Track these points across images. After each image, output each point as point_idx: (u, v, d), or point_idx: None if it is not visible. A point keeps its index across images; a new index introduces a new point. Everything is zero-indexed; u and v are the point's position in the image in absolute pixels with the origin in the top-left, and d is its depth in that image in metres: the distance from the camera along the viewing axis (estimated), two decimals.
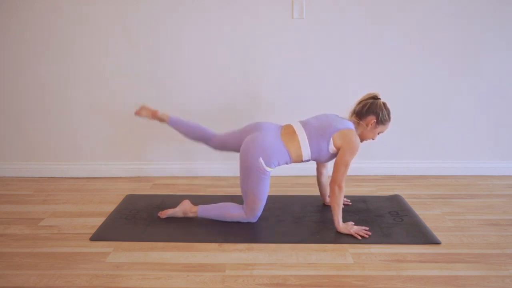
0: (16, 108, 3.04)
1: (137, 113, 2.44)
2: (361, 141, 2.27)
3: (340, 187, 2.11)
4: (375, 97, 2.21)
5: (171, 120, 2.40)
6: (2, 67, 2.97)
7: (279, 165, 2.19)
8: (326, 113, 2.30)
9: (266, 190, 2.19)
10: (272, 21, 2.89)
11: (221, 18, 2.89)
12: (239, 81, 2.98)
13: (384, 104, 2.19)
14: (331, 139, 2.13)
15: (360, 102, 2.23)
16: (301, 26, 2.90)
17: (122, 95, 3.00)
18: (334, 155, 2.19)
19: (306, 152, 2.18)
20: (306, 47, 2.93)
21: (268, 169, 2.14)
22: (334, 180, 2.12)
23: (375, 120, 2.18)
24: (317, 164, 2.44)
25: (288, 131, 2.21)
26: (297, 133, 2.19)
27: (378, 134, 2.25)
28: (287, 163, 2.23)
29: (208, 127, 2.42)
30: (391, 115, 2.22)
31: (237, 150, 2.29)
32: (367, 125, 2.19)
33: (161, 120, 2.42)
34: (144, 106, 2.44)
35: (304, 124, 2.23)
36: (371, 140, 2.28)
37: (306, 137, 2.17)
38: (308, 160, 2.24)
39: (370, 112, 2.18)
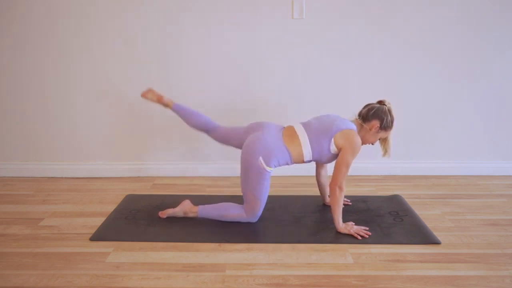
0: (16, 108, 3.04)
1: (143, 95, 2.47)
2: (362, 144, 2.28)
3: (340, 188, 2.11)
4: (381, 102, 2.22)
5: (175, 105, 2.42)
6: (2, 67, 2.97)
7: (279, 165, 2.20)
8: (328, 114, 2.30)
9: (266, 190, 2.19)
10: (272, 21, 2.89)
11: (221, 18, 2.89)
12: (239, 81, 2.98)
13: (389, 110, 2.19)
14: (333, 139, 2.14)
15: (366, 105, 2.24)
16: (301, 26, 2.90)
17: (122, 95, 3.00)
18: (335, 156, 2.19)
19: (307, 153, 2.18)
20: (306, 47, 2.93)
21: (268, 168, 2.14)
22: (335, 181, 2.11)
23: (379, 125, 2.18)
24: (316, 164, 2.44)
25: (289, 133, 2.22)
26: (298, 133, 2.19)
27: (379, 139, 2.26)
28: (287, 164, 2.23)
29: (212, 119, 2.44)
30: (394, 123, 2.20)
31: (237, 146, 2.31)
32: (370, 129, 2.20)
33: (166, 105, 2.44)
34: (151, 89, 2.47)
35: (306, 125, 2.23)
36: (371, 144, 2.29)
37: (307, 137, 2.17)
38: (309, 161, 2.24)
39: (375, 116, 2.18)
